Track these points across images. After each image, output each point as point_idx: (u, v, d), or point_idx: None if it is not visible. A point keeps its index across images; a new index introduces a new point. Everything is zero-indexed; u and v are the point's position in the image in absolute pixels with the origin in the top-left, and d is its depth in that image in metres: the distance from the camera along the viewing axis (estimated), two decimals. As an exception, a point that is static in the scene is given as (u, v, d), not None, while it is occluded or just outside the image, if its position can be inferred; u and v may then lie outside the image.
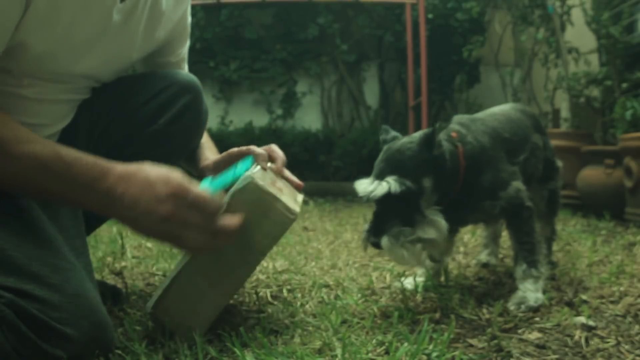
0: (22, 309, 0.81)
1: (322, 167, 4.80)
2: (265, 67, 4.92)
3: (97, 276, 1.31)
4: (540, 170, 1.53)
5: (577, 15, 3.45)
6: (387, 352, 0.96)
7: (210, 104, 2.63)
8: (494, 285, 1.46)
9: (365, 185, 1.15)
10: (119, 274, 1.54)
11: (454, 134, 1.24)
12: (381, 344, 1.00)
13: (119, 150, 1.09)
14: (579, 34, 3.51)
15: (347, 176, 4.56)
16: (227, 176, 1.02)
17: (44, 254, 0.89)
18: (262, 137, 4.70)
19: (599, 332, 1.08)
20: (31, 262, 0.86)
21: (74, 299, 0.86)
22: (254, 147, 1.13)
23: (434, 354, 0.93)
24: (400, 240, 1.11)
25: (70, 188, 0.86)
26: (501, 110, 1.51)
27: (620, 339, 1.04)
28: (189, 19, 1.28)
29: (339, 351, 0.94)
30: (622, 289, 1.38)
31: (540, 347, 1.01)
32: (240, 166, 1.06)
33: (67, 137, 1.08)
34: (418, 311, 1.22)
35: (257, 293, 1.31)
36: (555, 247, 1.77)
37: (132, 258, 1.81)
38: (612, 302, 1.29)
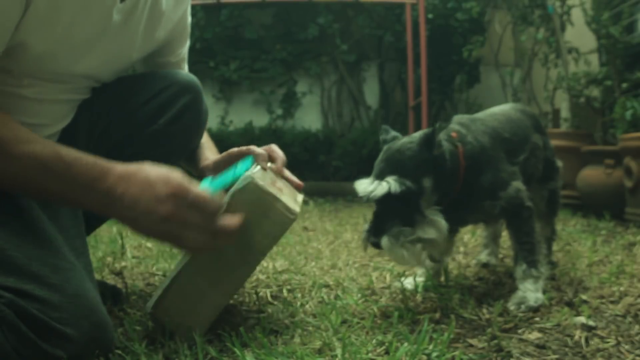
0: (22, 309, 0.81)
1: (322, 167, 4.80)
2: (265, 67, 4.92)
3: (97, 276, 1.31)
4: (540, 170, 1.53)
5: (577, 15, 3.45)
6: (387, 352, 0.96)
7: (210, 104, 2.63)
8: (494, 285, 1.46)
9: (365, 185, 1.15)
10: (119, 274, 1.54)
11: (454, 134, 1.24)
12: (381, 344, 1.00)
13: (119, 150, 1.09)
14: (579, 34, 3.51)
15: (347, 176, 4.56)
16: (227, 176, 1.02)
17: (44, 254, 0.89)
18: (262, 137, 4.69)
19: (599, 332, 1.08)
20: (31, 262, 0.86)
21: (74, 299, 0.86)
22: (253, 147, 1.13)
23: (434, 354, 0.93)
24: (400, 240, 1.11)
25: (70, 188, 0.86)
26: (501, 110, 1.51)
27: (620, 339, 1.04)
28: (189, 19, 1.28)
29: (339, 351, 0.94)
30: (622, 289, 1.38)
31: (540, 347, 1.01)
32: (240, 166, 1.06)
33: (67, 137, 1.08)
34: (418, 311, 1.22)
35: (257, 293, 1.31)
36: (555, 247, 1.77)
37: (132, 258, 1.81)
38: (612, 302, 1.29)
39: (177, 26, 1.22)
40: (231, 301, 1.24)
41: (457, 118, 1.34)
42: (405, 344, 0.95)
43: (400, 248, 1.11)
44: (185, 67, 1.35)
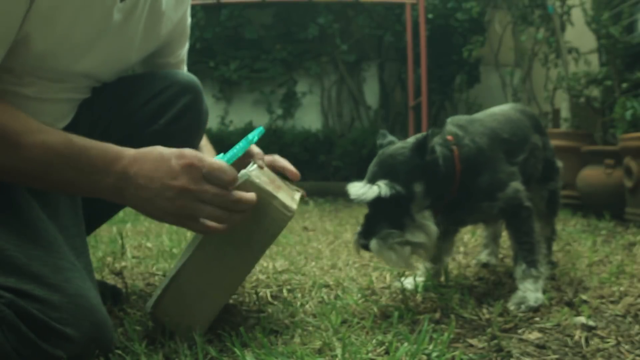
0: (22, 309, 0.81)
1: (322, 167, 4.81)
2: (265, 67, 4.92)
3: (97, 276, 1.31)
4: (540, 170, 1.53)
5: (577, 15, 3.45)
6: (387, 352, 0.96)
7: (210, 104, 2.63)
8: (494, 285, 1.46)
9: (357, 188, 1.17)
10: (119, 274, 1.54)
11: (449, 137, 1.25)
12: (381, 344, 1.00)
13: (119, 150, 1.09)
14: (579, 34, 3.51)
15: (347, 176, 4.56)
16: (238, 147, 1.01)
17: (44, 254, 0.89)
18: (262, 137, 4.65)
19: (599, 332, 1.08)
20: (31, 262, 0.86)
21: (74, 299, 0.86)
22: (252, 146, 1.14)
23: (434, 354, 0.93)
24: (389, 243, 1.13)
25: (84, 174, 0.86)
26: (501, 110, 1.51)
27: (620, 339, 1.04)
28: (189, 20, 1.28)
29: (339, 351, 0.94)
30: (622, 289, 1.38)
31: (540, 347, 1.01)
32: (249, 135, 1.05)
33: (67, 136, 1.08)
34: (418, 311, 1.22)
35: (257, 293, 1.32)
36: (555, 247, 1.77)
37: (132, 258, 1.81)
38: (612, 302, 1.29)
39: (177, 27, 1.22)
40: (231, 301, 1.25)
41: (456, 119, 1.35)
42: (405, 344, 0.95)
43: (389, 250, 1.13)
44: (184, 69, 1.35)
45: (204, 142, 1.31)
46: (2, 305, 0.80)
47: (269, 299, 1.32)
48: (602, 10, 3.13)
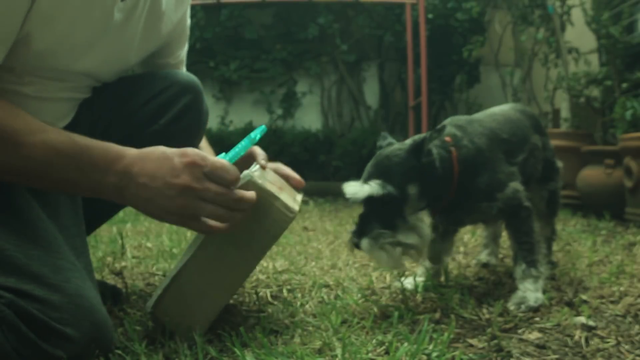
0: (22, 309, 0.81)
1: (322, 167, 4.81)
2: (265, 67, 4.92)
3: (97, 276, 1.31)
4: (540, 170, 1.53)
5: (577, 15, 3.45)
6: (387, 352, 0.96)
7: (210, 104, 2.63)
8: (494, 285, 1.46)
9: (352, 187, 1.17)
10: (119, 274, 1.54)
11: (448, 139, 1.25)
12: (381, 344, 1.00)
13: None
14: (579, 34, 3.51)
15: (347, 176, 4.49)
16: (239, 146, 1.01)
17: (44, 254, 0.89)
18: (262, 137, 4.66)
19: (599, 332, 1.08)
20: (31, 262, 0.86)
21: (74, 299, 0.86)
22: (255, 147, 1.14)
23: (434, 354, 0.93)
24: (380, 242, 1.14)
25: (86, 173, 0.86)
26: (500, 110, 1.51)
27: (620, 339, 1.04)
28: (189, 21, 1.28)
29: (339, 351, 0.94)
30: (622, 289, 1.38)
31: (540, 347, 1.01)
32: (251, 134, 1.05)
33: (67, 136, 1.08)
34: (418, 311, 1.22)
35: (257, 293, 1.32)
36: (555, 247, 1.77)
37: (132, 258, 1.81)
38: (612, 302, 1.29)
39: (177, 27, 1.22)
40: (231, 301, 1.25)
41: (454, 120, 1.35)
42: (405, 344, 0.95)
43: (379, 250, 1.14)
44: (184, 70, 1.35)
45: (204, 143, 1.31)
46: (2, 305, 0.80)
47: (269, 299, 1.32)
48: (602, 10, 3.13)
